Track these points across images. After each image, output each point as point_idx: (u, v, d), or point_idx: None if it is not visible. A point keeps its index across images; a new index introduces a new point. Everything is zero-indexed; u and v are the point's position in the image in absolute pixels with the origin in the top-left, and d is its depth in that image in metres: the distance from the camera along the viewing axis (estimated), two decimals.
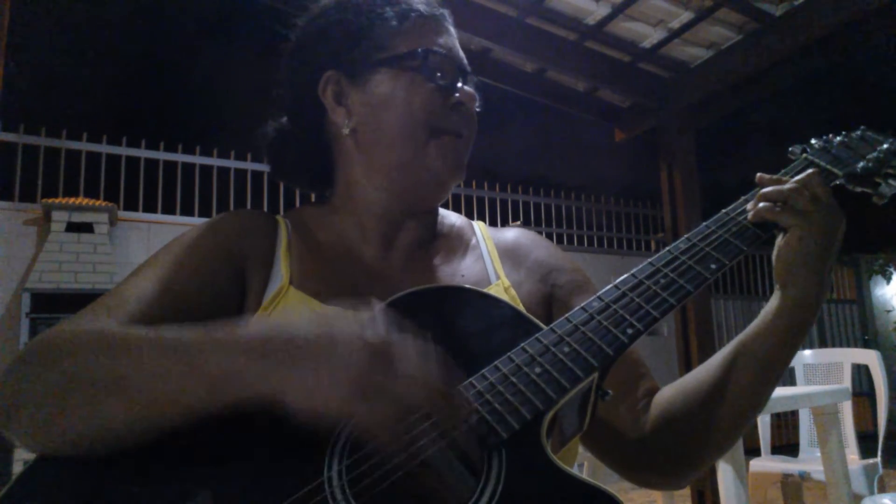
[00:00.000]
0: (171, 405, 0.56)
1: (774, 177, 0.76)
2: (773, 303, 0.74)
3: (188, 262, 0.75)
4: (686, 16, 3.70)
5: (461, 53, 0.85)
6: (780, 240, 0.73)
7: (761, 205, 0.73)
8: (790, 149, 0.83)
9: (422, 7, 0.83)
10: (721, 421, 0.73)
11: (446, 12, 0.86)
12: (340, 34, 0.82)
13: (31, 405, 0.60)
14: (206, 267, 0.76)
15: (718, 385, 0.73)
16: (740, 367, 0.73)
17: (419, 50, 0.79)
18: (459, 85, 0.81)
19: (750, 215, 0.74)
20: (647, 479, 0.80)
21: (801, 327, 0.72)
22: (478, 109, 0.85)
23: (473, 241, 0.90)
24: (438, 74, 0.80)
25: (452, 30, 0.86)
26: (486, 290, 0.75)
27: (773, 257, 0.74)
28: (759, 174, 0.77)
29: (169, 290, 0.72)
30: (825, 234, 0.71)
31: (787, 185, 0.73)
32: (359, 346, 0.52)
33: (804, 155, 0.82)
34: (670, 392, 0.78)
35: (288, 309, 0.76)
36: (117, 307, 0.70)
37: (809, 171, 0.75)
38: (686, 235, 0.74)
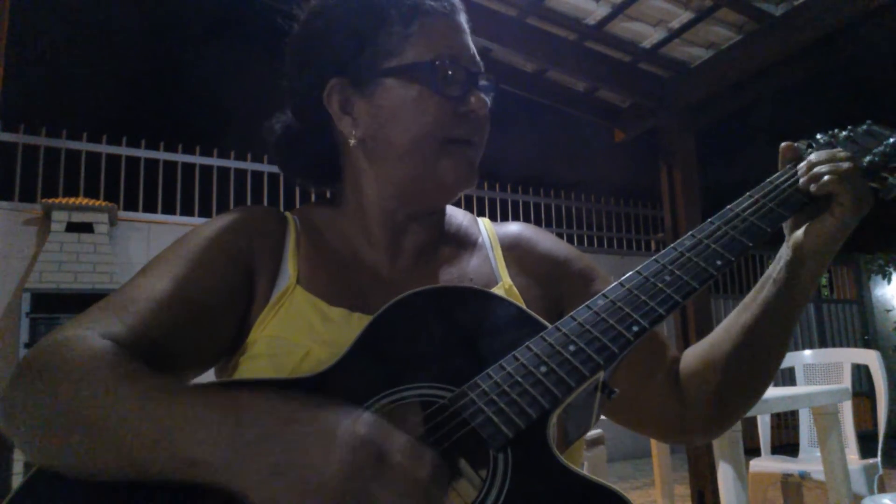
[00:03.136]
0: (144, 467, 0.54)
1: (801, 145, 0.82)
2: (784, 272, 0.77)
3: (199, 261, 0.74)
4: (686, 16, 3.70)
5: (472, 50, 0.81)
6: (820, 216, 0.75)
7: (827, 177, 0.74)
8: (795, 144, 0.83)
9: (428, 3, 0.78)
10: (752, 376, 0.81)
11: (456, 3, 0.81)
12: (343, 38, 0.78)
13: (26, 423, 0.59)
14: (216, 266, 0.75)
15: (748, 344, 0.78)
16: (764, 327, 0.78)
17: (426, 62, 0.75)
18: (469, 91, 0.77)
19: (804, 181, 0.76)
20: (690, 438, 0.85)
21: (805, 300, 0.79)
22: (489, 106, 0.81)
23: (479, 240, 0.89)
24: (448, 85, 0.76)
25: (464, 22, 0.81)
26: (489, 290, 0.75)
27: (802, 232, 0.76)
28: (785, 143, 0.81)
29: (180, 289, 0.71)
30: (860, 213, 0.74)
31: (848, 159, 0.75)
32: (349, 469, 0.48)
33: (810, 150, 0.82)
34: (698, 357, 0.83)
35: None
36: (127, 307, 0.69)
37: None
38: (691, 232, 0.74)
